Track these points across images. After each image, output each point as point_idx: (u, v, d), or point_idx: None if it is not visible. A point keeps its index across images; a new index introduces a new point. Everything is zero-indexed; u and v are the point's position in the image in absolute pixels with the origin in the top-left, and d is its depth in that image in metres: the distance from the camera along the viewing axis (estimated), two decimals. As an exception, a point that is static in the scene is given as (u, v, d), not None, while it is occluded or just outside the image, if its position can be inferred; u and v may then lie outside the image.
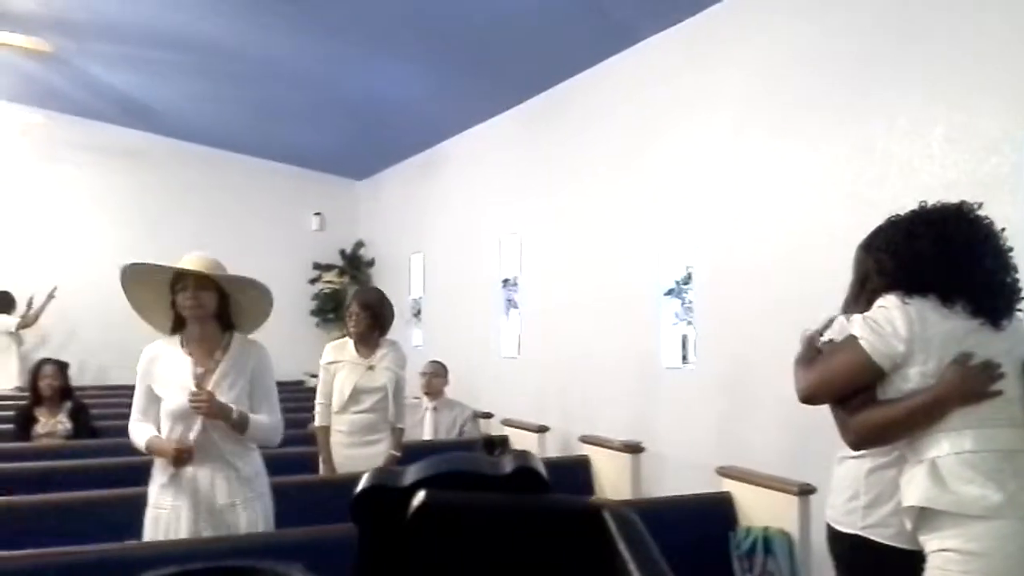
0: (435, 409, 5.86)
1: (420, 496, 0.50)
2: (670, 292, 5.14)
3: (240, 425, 3.06)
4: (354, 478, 2.41)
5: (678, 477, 4.69)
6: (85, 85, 7.97)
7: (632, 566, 0.50)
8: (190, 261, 3.08)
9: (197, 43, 6.54)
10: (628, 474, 4.38)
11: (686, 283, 5.05)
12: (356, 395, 4.33)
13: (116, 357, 8.29)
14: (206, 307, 3.06)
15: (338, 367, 4.41)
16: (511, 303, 6.93)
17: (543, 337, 6.35)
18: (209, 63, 6.96)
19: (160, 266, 3.09)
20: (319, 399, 4.42)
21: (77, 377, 8.52)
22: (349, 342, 4.48)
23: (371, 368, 4.38)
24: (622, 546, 0.50)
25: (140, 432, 3.12)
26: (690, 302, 4.99)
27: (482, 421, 6.27)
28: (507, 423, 5.78)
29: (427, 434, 5.77)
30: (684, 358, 5.07)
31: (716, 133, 4.69)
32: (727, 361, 4.57)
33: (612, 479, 4.50)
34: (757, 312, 4.35)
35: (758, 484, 3.49)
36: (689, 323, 5.02)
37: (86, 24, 6.46)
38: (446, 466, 0.55)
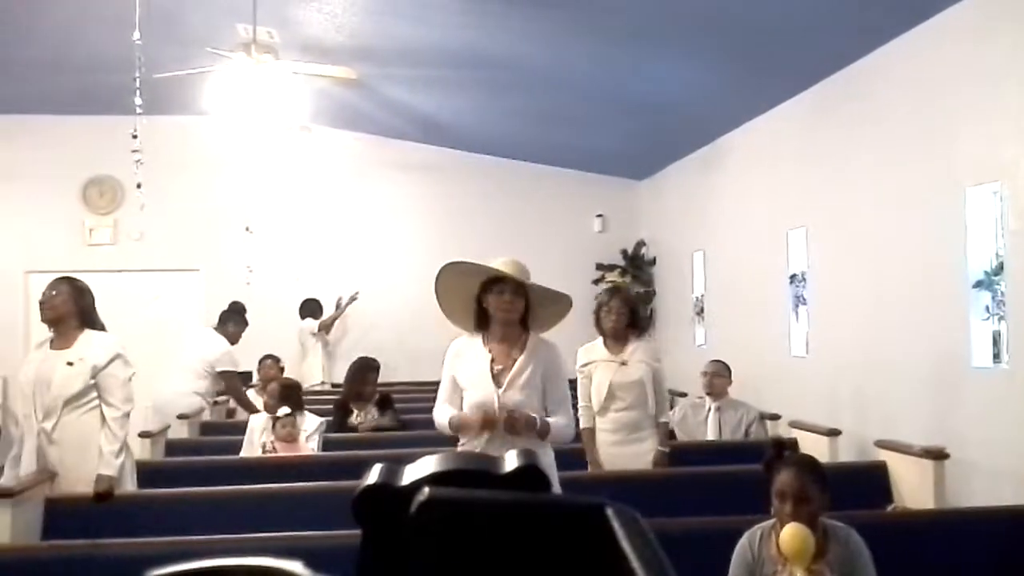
0: (718, 409, 5.75)
1: (422, 494, 0.50)
2: (978, 284, 4.69)
3: (542, 434, 3.27)
4: (621, 475, 2.47)
5: (988, 487, 4.26)
6: (387, 107, 8.68)
7: (635, 565, 0.47)
8: (508, 265, 3.28)
9: (482, 59, 6.90)
10: (930, 482, 4.06)
11: (997, 274, 4.59)
12: (612, 393, 4.36)
13: (414, 356, 8.96)
14: (518, 311, 3.27)
15: (592, 368, 4.47)
16: (799, 300, 6.64)
17: (835, 335, 6.02)
18: (494, 77, 7.33)
19: (482, 266, 3.33)
20: (580, 402, 4.48)
21: (390, 375, 9.28)
22: (599, 342, 4.51)
23: (624, 364, 4.38)
24: (625, 544, 0.48)
25: (443, 413, 3.40)
26: (1002, 295, 4.53)
27: (769, 423, 6.07)
28: (795, 425, 5.56)
29: (711, 434, 5.68)
30: (996, 357, 4.61)
31: (1029, 107, 4.22)
32: (1048, 360, 4.10)
33: (912, 487, 4.20)
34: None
35: (1085, 498, 3.11)
36: (1001, 318, 4.55)
37: (385, 50, 7.04)
38: (448, 464, 0.55)
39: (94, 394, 4.00)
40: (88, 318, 4.16)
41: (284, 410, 5.16)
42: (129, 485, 4.17)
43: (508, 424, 3.22)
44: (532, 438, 3.26)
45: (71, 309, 4.09)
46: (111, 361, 4.04)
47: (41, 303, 4.10)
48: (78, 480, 3.93)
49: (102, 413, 3.99)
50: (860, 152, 5.70)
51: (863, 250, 5.64)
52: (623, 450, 4.37)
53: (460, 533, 0.50)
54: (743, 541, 2.84)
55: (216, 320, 7.39)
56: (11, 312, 9.47)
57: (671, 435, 4.93)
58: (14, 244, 9.52)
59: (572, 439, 3.46)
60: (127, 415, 4.08)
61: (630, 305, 4.51)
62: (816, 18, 5.19)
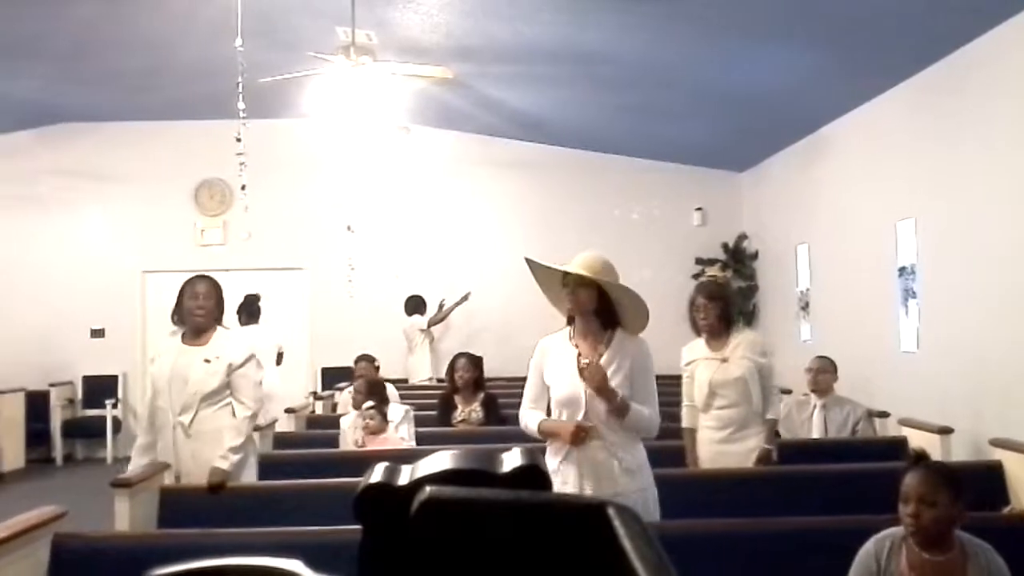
0: (824, 407, 5.59)
1: (423, 493, 0.49)
2: (1104, 276, 4.44)
3: (622, 409, 3.21)
4: (725, 474, 2.41)
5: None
6: (484, 105, 8.74)
7: (636, 564, 0.46)
8: (577, 261, 3.31)
9: (578, 55, 6.88)
10: (1051, 484, 3.86)
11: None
12: (713, 391, 4.27)
13: (513, 352, 9.01)
14: (583, 304, 3.27)
15: (694, 366, 4.38)
16: (909, 293, 6.41)
17: (947, 329, 5.78)
18: (591, 72, 7.30)
19: (545, 266, 3.38)
20: (684, 401, 4.43)
21: (486, 370, 9.33)
22: (701, 340, 4.42)
23: (725, 361, 4.28)
24: (627, 544, 0.47)
25: (532, 417, 3.40)
26: None
27: (877, 421, 5.88)
28: (905, 423, 5.36)
29: (816, 433, 5.52)
30: (1125, 352, 4.35)
31: None
32: None
33: (1031, 488, 4.00)
34: None
35: None
36: None
37: (482, 49, 7.09)
38: (449, 463, 0.54)
39: (228, 391, 4.12)
40: (222, 315, 4.31)
41: (367, 404, 5.30)
42: (250, 477, 4.29)
43: (591, 374, 3.16)
44: (615, 425, 3.23)
45: (218, 312, 4.24)
46: (246, 361, 4.16)
47: (197, 308, 4.15)
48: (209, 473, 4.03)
49: (232, 410, 4.11)
50: (972, 139, 5.45)
51: (976, 241, 5.40)
52: (728, 448, 4.27)
53: (460, 533, 0.50)
54: (869, 548, 2.67)
55: (244, 315, 7.55)
56: (130, 311, 9.94)
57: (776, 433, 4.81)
58: (132, 245, 9.98)
59: (656, 434, 3.40)
60: (255, 415, 4.22)
61: (717, 299, 4.37)
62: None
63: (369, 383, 5.67)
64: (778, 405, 4.49)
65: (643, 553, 0.47)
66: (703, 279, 9.89)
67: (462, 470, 0.54)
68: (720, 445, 4.29)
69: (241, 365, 4.13)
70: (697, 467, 4.32)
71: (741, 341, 4.34)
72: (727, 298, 4.41)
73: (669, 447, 4.46)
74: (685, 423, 4.43)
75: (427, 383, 8.96)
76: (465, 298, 9.56)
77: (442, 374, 9.12)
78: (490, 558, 0.50)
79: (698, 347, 4.42)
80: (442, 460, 0.56)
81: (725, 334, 4.34)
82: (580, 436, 3.19)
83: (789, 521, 3.43)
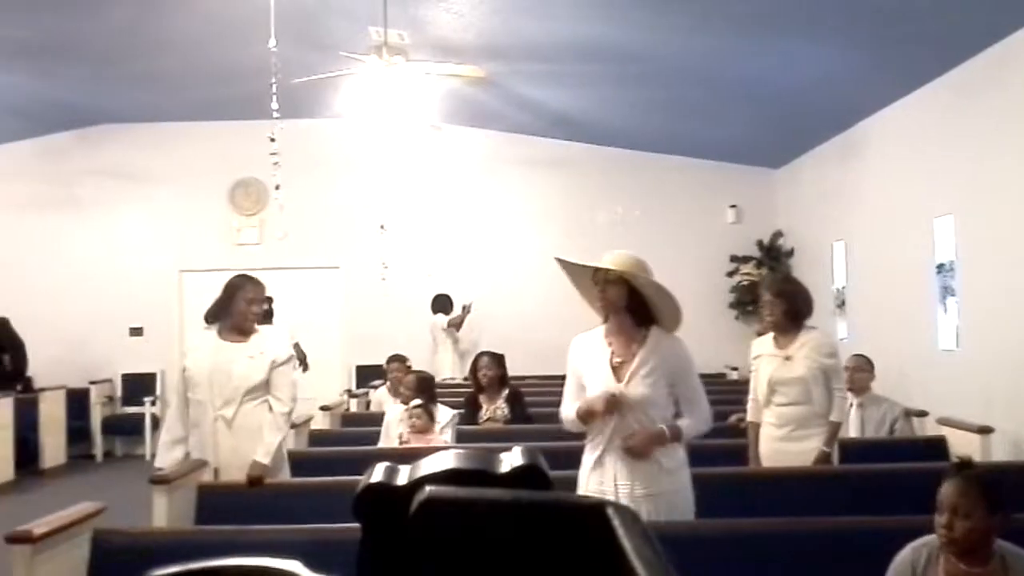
0: (860, 406, 5.53)
1: (423, 493, 0.49)
2: None
3: (675, 439, 3.24)
4: (784, 473, 2.36)
5: None
6: (516, 103, 8.74)
7: (635, 563, 0.46)
8: (606, 259, 3.30)
9: (610, 52, 6.86)
10: (1095, 485, 3.78)
11: None
12: (773, 388, 4.23)
13: (549, 351, 8.99)
14: (613, 301, 3.27)
15: (759, 361, 4.36)
16: (947, 290, 6.31)
17: (987, 327, 5.69)
18: (622, 70, 7.27)
19: (575, 264, 3.37)
20: (750, 395, 4.43)
21: (518, 368, 9.35)
22: (770, 335, 4.40)
23: (788, 359, 4.22)
24: (626, 544, 0.47)
25: (569, 409, 3.38)
26: None
27: (915, 420, 5.80)
28: (943, 422, 5.28)
29: (852, 431, 5.46)
30: None
31: None
32: None
33: (1074, 489, 3.92)
34: None
35: None
36: None
37: (513, 47, 7.09)
38: (449, 463, 0.53)
39: (268, 387, 4.20)
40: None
41: (415, 401, 5.29)
42: (284, 474, 4.35)
43: (630, 452, 3.16)
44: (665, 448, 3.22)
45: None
46: (287, 359, 4.29)
47: (253, 312, 4.27)
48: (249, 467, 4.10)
49: (270, 406, 4.18)
50: (1012, 134, 5.36)
51: (1016, 237, 5.31)
52: (787, 446, 4.20)
53: (461, 532, 0.50)
54: (905, 555, 2.60)
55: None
56: (168, 310, 10.06)
57: None
58: (169, 245, 10.10)
59: (709, 429, 3.40)
60: (291, 412, 4.30)
61: (783, 295, 4.30)
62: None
63: (419, 380, 5.61)
64: (843, 407, 4.40)
65: (642, 553, 0.47)
66: (740, 277, 9.81)
67: (462, 470, 0.54)
68: (779, 443, 4.23)
69: (283, 363, 4.22)
70: (758, 462, 4.29)
71: (808, 340, 4.25)
72: (794, 294, 4.33)
73: (712, 446, 4.43)
74: (749, 417, 4.44)
75: (449, 381, 8.93)
76: (467, 309, 9.45)
77: (465, 373, 9.15)
78: (490, 558, 0.50)
79: (765, 343, 4.40)
80: (442, 460, 0.55)
81: (792, 331, 4.27)
82: (613, 403, 3.17)
83: (825, 521, 3.39)
